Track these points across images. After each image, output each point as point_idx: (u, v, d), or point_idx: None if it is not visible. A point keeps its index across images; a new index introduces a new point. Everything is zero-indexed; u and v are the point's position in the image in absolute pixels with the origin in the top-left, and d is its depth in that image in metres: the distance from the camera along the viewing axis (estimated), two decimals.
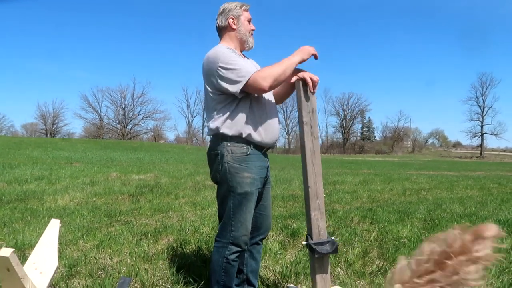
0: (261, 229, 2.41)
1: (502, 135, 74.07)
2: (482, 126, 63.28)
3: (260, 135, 2.21)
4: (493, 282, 2.67)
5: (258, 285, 2.57)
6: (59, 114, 65.95)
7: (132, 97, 64.92)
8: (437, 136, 77.82)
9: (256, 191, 2.23)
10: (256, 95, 2.19)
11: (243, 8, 2.31)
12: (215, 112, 2.21)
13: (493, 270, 2.87)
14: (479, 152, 62.21)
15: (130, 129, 65.59)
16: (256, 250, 2.45)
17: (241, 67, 2.10)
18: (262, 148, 2.27)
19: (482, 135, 63.17)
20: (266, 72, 2.09)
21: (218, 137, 2.20)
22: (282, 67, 2.11)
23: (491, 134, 63.15)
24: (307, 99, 2.25)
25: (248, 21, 2.31)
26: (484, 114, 63.21)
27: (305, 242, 2.27)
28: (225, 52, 2.17)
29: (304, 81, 2.22)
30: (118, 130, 64.73)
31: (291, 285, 2.72)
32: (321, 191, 2.26)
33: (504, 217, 4.86)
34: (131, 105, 65.18)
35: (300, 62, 2.19)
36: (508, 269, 2.93)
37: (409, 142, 74.20)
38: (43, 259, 1.90)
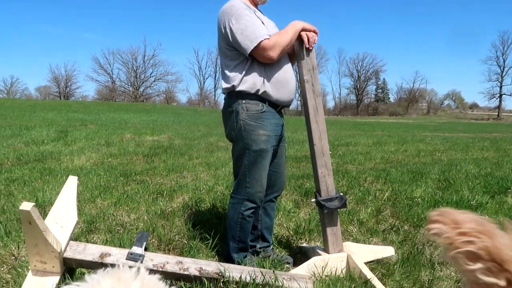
0: (276, 186, 2.43)
1: None
2: (501, 87, 61.53)
3: (276, 92, 2.18)
4: None
5: (272, 241, 2.62)
6: (71, 76, 66.30)
7: (143, 59, 64.62)
8: (454, 98, 76.08)
9: (271, 149, 2.23)
10: None
11: None
12: (230, 69, 2.18)
13: None
14: (497, 113, 60.85)
15: (143, 91, 65.71)
16: (270, 207, 2.48)
17: (253, 29, 2.06)
18: (277, 106, 2.25)
19: (500, 96, 61.53)
20: (274, 42, 2.07)
21: (233, 95, 2.19)
22: (289, 36, 2.11)
23: (510, 95, 61.49)
24: (307, 56, 2.22)
25: None
26: (503, 74, 61.28)
27: (314, 200, 2.29)
28: (239, 8, 2.10)
29: (301, 38, 2.20)
30: (131, 93, 64.91)
31: (304, 244, 2.77)
32: (326, 148, 2.27)
33: None
34: (142, 67, 65.00)
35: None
36: None
37: (424, 104, 72.79)
38: (63, 214, 1.95)
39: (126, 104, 45.66)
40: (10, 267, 2.24)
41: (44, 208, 3.33)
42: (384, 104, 72.17)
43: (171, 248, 2.62)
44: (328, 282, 2.03)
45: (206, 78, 69.19)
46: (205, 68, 69.70)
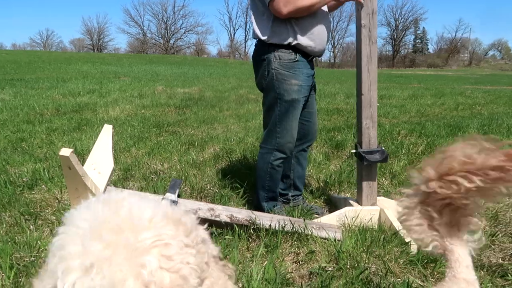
0: (309, 136, 2.43)
1: None
2: None
3: (310, 43, 2.12)
4: None
5: (303, 191, 2.65)
6: (103, 29, 66.68)
7: (173, 9, 63.72)
8: (499, 48, 70.97)
9: (303, 99, 2.20)
10: None
11: None
12: (260, 16, 2.13)
13: None
14: None
15: (173, 43, 65.43)
16: (303, 157, 2.50)
17: None
18: (309, 56, 2.19)
19: None
20: (295, 7, 1.97)
21: (265, 43, 2.14)
22: (309, 1, 1.98)
23: None
24: None
25: None
26: None
27: (354, 151, 2.25)
28: None
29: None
30: (161, 45, 64.83)
31: (335, 194, 2.77)
32: (374, 99, 2.18)
33: None
34: (172, 19, 64.24)
35: (336, 1, 2.09)
36: None
37: (467, 55, 68.56)
38: (100, 161, 2.02)
39: (157, 56, 45.79)
40: (54, 209, 2.39)
41: (82, 156, 3.48)
42: (422, 55, 68.58)
43: (203, 196, 2.70)
44: (357, 231, 2.04)
45: (237, 29, 68.13)
46: (236, 18, 68.55)
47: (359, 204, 2.33)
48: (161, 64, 27.23)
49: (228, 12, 73.00)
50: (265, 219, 2.05)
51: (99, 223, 0.49)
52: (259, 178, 2.33)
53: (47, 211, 2.39)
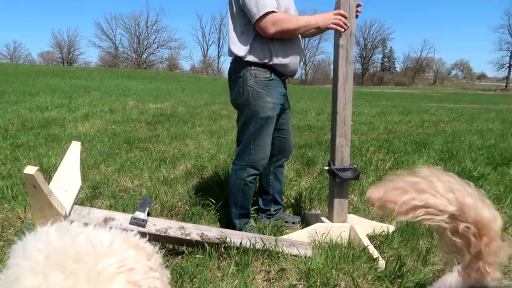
0: (285, 152, 2.51)
1: None
2: (511, 57, 60.21)
3: (285, 63, 2.20)
4: (507, 211, 2.69)
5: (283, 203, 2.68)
6: (74, 42, 65.42)
7: (146, 24, 63.44)
8: (461, 68, 74.55)
9: (276, 117, 2.27)
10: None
11: None
12: (239, 34, 2.18)
13: (508, 199, 2.89)
14: (505, 84, 59.85)
15: (146, 58, 64.92)
16: (280, 172, 2.58)
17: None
18: (283, 75, 2.27)
19: (510, 66, 60.29)
20: (280, 19, 2.03)
21: (241, 60, 2.18)
22: (296, 25, 2.06)
23: None
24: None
25: None
26: None
27: (327, 167, 2.30)
28: None
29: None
30: (134, 59, 64.18)
31: (307, 211, 2.81)
32: (349, 118, 2.24)
33: None
34: (145, 33, 63.93)
35: (316, 29, 2.18)
36: None
37: (431, 74, 71.56)
38: (67, 179, 1.97)
39: (129, 70, 45.25)
40: (17, 229, 2.30)
41: (49, 173, 3.38)
42: (390, 74, 71.04)
43: (174, 214, 2.67)
44: (327, 248, 2.07)
45: (210, 45, 68.37)
46: (209, 34, 69.08)
47: (330, 220, 2.37)
48: (133, 78, 26.92)
49: (202, 28, 73.54)
50: (236, 237, 2.05)
51: (55, 252, 0.46)
52: (231, 195, 2.34)
53: (10, 231, 2.29)
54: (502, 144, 5.37)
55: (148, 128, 6.46)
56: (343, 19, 2.08)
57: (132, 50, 64.86)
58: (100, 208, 2.63)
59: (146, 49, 64.68)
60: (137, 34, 63.72)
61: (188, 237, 1.98)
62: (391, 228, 2.45)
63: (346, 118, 2.23)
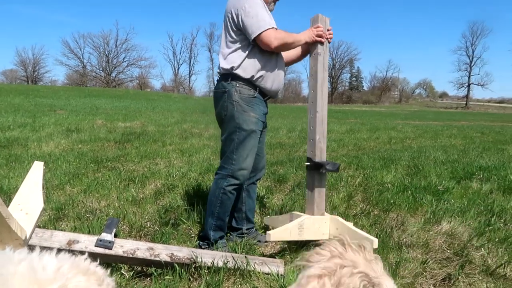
0: (258, 169, 2.54)
1: (488, 86, 74.58)
2: (469, 77, 63.40)
3: (269, 83, 2.33)
4: (471, 223, 2.78)
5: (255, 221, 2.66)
6: (39, 60, 63.62)
7: (116, 43, 62.68)
8: (425, 87, 77.82)
9: (259, 132, 2.36)
10: None
11: None
12: (231, 50, 2.27)
13: (471, 212, 2.99)
14: (465, 102, 62.84)
15: (115, 76, 63.94)
16: (253, 190, 2.61)
17: (263, 17, 2.21)
18: (266, 96, 2.39)
19: (468, 85, 63.46)
20: (280, 34, 2.23)
21: (228, 76, 2.28)
22: (292, 39, 2.27)
23: (477, 84, 63.40)
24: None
25: None
26: (472, 64, 63.11)
27: (308, 163, 2.40)
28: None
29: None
30: (102, 78, 63.07)
31: (296, 212, 2.83)
32: (326, 117, 2.43)
33: (485, 163, 4.99)
34: (114, 52, 63.10)
35: (304, 45, 2.40)
36: (485, 211, 3.04)
37: (397, 92, 74.24)
38: (28, 201, 1.88)
39: (98, 89, 44.38)
40: None
41: (9, 195, 3.22)
42: (358, 92, 73.16)
43: (142, 234, 2.59)
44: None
45: (181, 64, 68.20)
46: (180, 53, 68.56)
47: (309, 214, 2.40)
48: (101, 97, 26.39)
49: (173, 47, 73.25)
50: (207, 257, 2.00)
51: None
52: (210, 204, 2.36)
53: None
54: (464, 159, 5.60)
55: (117, 147, 6.31)
56: (322, 29, 2.30)
57: (101, 69, 63.82)
58: (64, 230, 2.52)
59: (115, 68, 63.78)
60: (106, 52, 62.84)
61: (157, 258, 1.92)
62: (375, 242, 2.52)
63: (323, 118, 2.42)
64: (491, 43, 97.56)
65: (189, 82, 68.36)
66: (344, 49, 69.81)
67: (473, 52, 62.85)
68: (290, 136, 8.60)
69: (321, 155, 2.40)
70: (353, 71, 74.58)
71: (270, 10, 2.38)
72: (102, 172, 4.35)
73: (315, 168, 2.37)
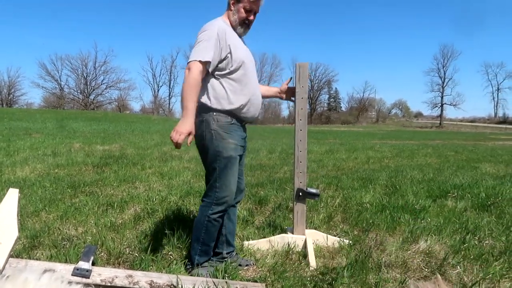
0: (238, 191, 2.51)
1: (460, 106, 77.53)
2: (442, 97, 65.74)
3: (245, 109, 2.35)
4: (447, 241, 2.85)
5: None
6: (15, 83, 62.43)
7: (94, 65, 62.29)
8: (400, 107, 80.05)
9: (238, 157, 2.37)
10: (244, 70, 2.31)
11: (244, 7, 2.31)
12: (205, 82, 2.29)
13: (447, 230, 3.06)
14: (439, 122, 64.83)
15: (93, 99, 63.20)
16: (233, 213, 2.60)
17: (204, 48, 2.19)
18: (243, 121, 2.42)
19: (442, 105, 65.68)
20: (194, 80, 2.16)
21: (205, 106, 2.29)
22: (185, 92, 2.17)
23: (450, 104, 65.80)
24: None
25: (247, 10, 2.32)
26: (444, 85, 65.62)
27: (300, 194, 2.86)
28: (214, 27, 2.24)
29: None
30: (80, 100, 62.23)
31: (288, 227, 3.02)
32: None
33: (459, 181, 5.14)
34: (93, 74, 62.62)
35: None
36: (460, 229, 3.13)
37: (374, 113, 76.01)
38: (2, 230, 1.84)
39: (75, 112, 43.75)
40: None
41: None
42: (336, 113, 74.52)
43: (121, 261, 2.54)
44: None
45: (160, 86, 68.11)
46: (160, 76, 68.52)
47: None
48: (79, 120, 25.97)
49: (152, 69, 73.26)
50: (188, 283, 1.98)
51: None
52: (196, 230, 2.37)
53: None
54: (439, 177, 5.75)
55: (95, 171, 6.20)
56: (182, 140, 2.14)
57: (79, 91, 63.05)
58: (39, 259, 2.45)
59: (94, 90, 63.13)
60: (84, 75, 62.25)
61: (137, 286, 1.89)
62: (346, 241, 2.82)
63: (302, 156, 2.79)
64: (462, 65, 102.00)
65: (169, 104, 68.21)
66: (322, 71, 71.51)
67: (444, 74, 65.49)
68: (271, 157, 8.66)
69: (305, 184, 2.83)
70: (331, 92, 76.27)
71: (240, 34, 2.39)
72: (79, 197, 4.26)
73: (312, 195, 2.83)
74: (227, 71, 2.27)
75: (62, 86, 62.10)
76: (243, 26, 2.37)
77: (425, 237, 2.90)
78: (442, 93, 65.84)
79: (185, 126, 2.15)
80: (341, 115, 72.82)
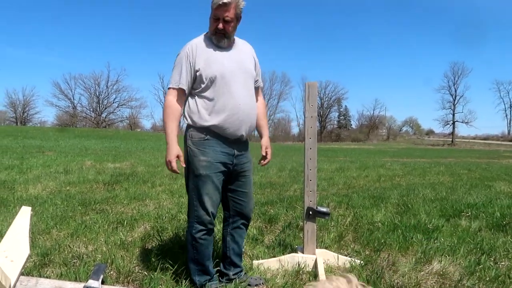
0: (241, 215, 2.48)
1: (472, 123, 76.34)
2: (453, 114, 65.10)
3: (217, 127, 2.27)
4: (461, 262, 2.78)
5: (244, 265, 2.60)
6: (29, 101, 63.84)
7: (107, 84, 63.47)
8: (411, 124, 79.59)
9: (216, 175, 2.27)
10: (216, 86, 2.27)
11: (212, 4, 2.24)
12: (187, 99, 2.37)
13: (461, 250, 2.99)
14: (451, 139, 64.08)
15: (105, 117, 64.19)
16: (238, 234, 2.51)
17: (175, 73, 2.30)
18: (222, 136, 2.30)
19: (453, 123, 65.01)
20: (170, 108, 2.29)
21: (186, 123, 2.36)
22: (164, 121, 2.33)
23: (462, 122, 65.05)
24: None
25: (215, 19, 2.25)
26: (455, 102, 65.01)
27: (312, 211, 2.85)
28: (184, 49, 2.31)
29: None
30: (92, 119, 63.23)
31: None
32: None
33: (473, 201, 5.05)
34: (105, 93, 63.75)
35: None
36: (475, 250, 3.05)
37: (384, 130, 75.63)
38: (14, 247, 1.85)
39: (87, 130, 44.40)
40: None
41: None
42: (346, 131, 74.33)
43: (131, 280, 2.53)
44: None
45: None
46: None
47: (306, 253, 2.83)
48: (91, 138, 26.35)
49: (163, 88, 73.80)
50: None
51: None
52: (188, 251, 2.36)
53: None
54: (452, 196, 5.65)
55: (106, 188, 6.24)
56: (174, 166, 2.26)
57: (91, 109, 64.17)
58: (50, 277, 2.45)
59: (105, 108, 64.20)
60: (97, 93, 63.42)
61: None
62: (357, 261, 2.78)
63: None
64: (473, 82, 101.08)
65: (180, 122, 68.74)
66: (332, 89, 71.69)
67: (455, 91, 64.96)
68: (281, 175, 8.63)
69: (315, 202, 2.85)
70: (341, 109, 76.25)
71: (219, 44, 2.30)
72: (90, 215, 4.28)
73: (322, 215, 2.84)
74: (200, 88, 2.28)
75: (75, 105, 63.34)
76: (216, 35, 2.28)
77: (438, 258, 2.84)
78: (454, 110, 65.25)
79: (171, 152, 2.23)
80: (351, 133, 72.57)
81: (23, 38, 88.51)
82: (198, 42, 2.32)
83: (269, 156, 2.60)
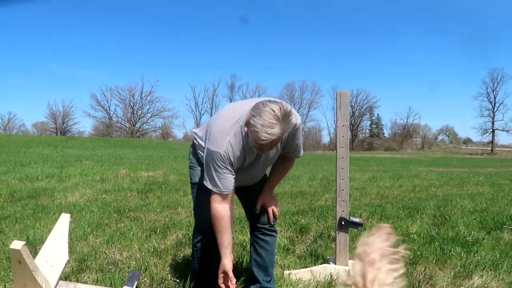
0: (254, 221, 2.33)
1: None
2: (493, 122, 62.43)
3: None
4: (505, 277, 2.64)
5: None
6: (69, 113, 66.66)
7: (141, 95, 65.40)
8: (447, 133, 76.84)
9: None
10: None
11: (254, 141, 1.83)
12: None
13: (504, 265, 2.84)
14: (490, 148, 61.44)
15: (139, 127, 66.07)
16: (259, 246, 2.32)
17: (209, 178, 1.98)
18: None
19: (493, 131, 62.30)
20: (215, 219, 1.97)
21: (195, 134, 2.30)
22: (217, 234, 1.99)
23: (502, 130, 62.22)
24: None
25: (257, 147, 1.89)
26: (495, 110, 62.36)
27: (345, 221, 2.81)
28: (220, 161, 1.93)
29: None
30: (127, 128, 65.24)
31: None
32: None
33: None
34: (139, 104, 65.67)
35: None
36: None
37: (419, 139, 73.41)
38: (54, 253, 1.92)
39: (122, 139, 45.79)
40: None
41: (35, 246, 3.27)
42: (379, 139, 72.75)
43: (164, 287, 2.56)
44: None
45: (203, 114, 69.89)
46: (202, 104, 70.56)
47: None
48: (125, 147, 27.15)
49: (195, 98, 75.15)
50: None
51: None
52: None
53: None
54: (493, 207, 5.39)
55: (139, 196, 6.40)
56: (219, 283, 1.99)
57: (126, 120, 66.25)
58: (86, 283, 2.53)
59: (139, 119, 66.13)
60: (131, 104, 65.48)
61: None
62: None
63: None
64: None
65: None
66: (363, 97, 70.49)
67: (494, 98, 62.37)
68: (311, 184, 8.53)
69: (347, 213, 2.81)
70: (373, 118, 74.73)
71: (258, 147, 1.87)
72: (124, 222, 4.39)
73: (353, 224, 2.80)
74: None
75: (110, 115, 65.60)
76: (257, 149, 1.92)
77: (479, 273, 2.70)
78: (493, 118, 62.57)
79: (220, 267, 1.96)
80: (384, 142, 70.97)
81: (62, 53, 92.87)
82: (231, 151, 1.93)
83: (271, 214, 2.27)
